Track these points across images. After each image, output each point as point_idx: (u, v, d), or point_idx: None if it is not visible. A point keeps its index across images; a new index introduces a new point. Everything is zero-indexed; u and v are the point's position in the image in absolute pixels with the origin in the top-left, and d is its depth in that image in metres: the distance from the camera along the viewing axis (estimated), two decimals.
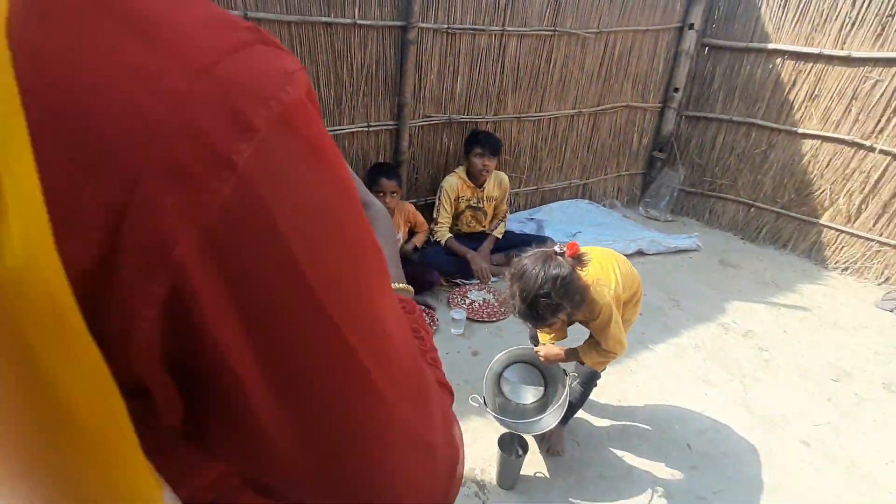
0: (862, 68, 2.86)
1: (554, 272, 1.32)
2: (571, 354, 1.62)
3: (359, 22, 2.39)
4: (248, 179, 0.18)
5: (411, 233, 2.74)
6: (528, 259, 1.39)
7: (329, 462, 0.24)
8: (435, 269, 2.63)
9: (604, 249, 1.64)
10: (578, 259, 1.38)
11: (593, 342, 1.56)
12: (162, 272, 0.18)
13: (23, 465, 0.18)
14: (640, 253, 3.12)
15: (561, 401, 1.61)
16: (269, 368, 0.21)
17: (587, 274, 1.42)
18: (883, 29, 2.76)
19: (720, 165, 3.59)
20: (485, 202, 2.81)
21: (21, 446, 0.18)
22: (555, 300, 1.32)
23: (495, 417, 1.63)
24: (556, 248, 1.38)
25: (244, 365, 0.21)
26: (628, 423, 1.92)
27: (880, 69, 2.80)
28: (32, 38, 0.16)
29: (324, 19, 2.31)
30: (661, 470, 1.73)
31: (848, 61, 2.91)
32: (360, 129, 2.63)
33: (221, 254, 0.19)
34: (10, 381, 0.17)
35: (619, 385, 2.09)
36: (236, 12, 2.09)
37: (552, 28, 2.95)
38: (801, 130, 3.17)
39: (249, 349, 0.20)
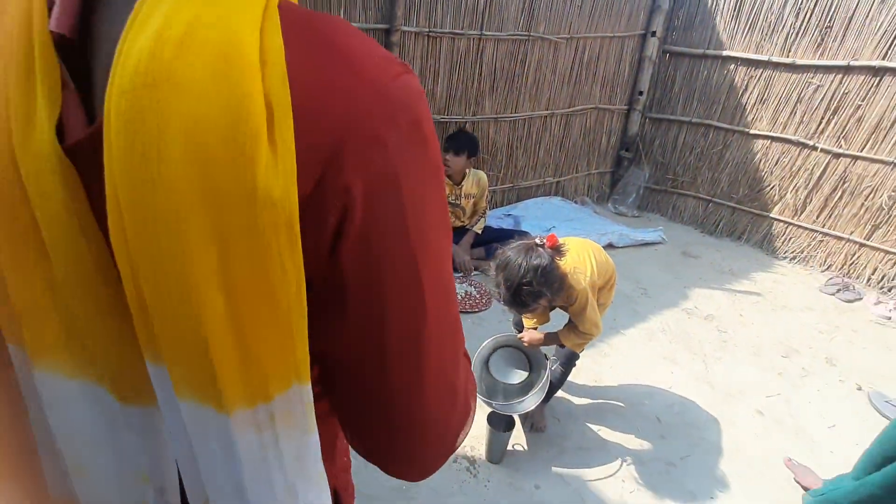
0: (805, 74, 3.15)
1: (535, 262, 1.45)
2: (552, 338, 1.76)
3: None
4: (391, 155, 0.29)
5: None
6: (511, 251, 1.51)
7: (380, 358, 0.34)
8: None
9: (580, 240, 1.78)
10: (557, 250, 1.51)
11: (572, 326, 1.70)
12: (341, 201, 0.28)
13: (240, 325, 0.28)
14: (611, 246, 3.31)
15: (542, 383, 1.75)
16: (366, 279, 0.31)
17: (565, 263, 1.55)
18: (822, 39, 3.05)
19: (681, 164, 3.84)
20: (462, 199, 2.92)
21: (236, 316, 0.28)
22: (536, 288, 1.45)
23: (483, 400, 1.75)
24: (537, 240, 1.51)
25: (353, 273, 0.31)
26: (603, 400, 2.08)
27: (820, 75, 3.09)
28: (295, 64, 0.27)
29: None
30: (632, 440, 1.90)
31: (793, 68, 3.19)
32: None
33: (369, 197, 0.29)
34: (248, 275, 0.27)
35: (594, 367, 2.26)
36: None
37: (526, 33, 3.10)
38: (752, 131, 3.44)
39: (360, 263, 0.30)
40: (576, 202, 3.93)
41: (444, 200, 0.35)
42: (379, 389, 0.35)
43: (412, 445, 0.38)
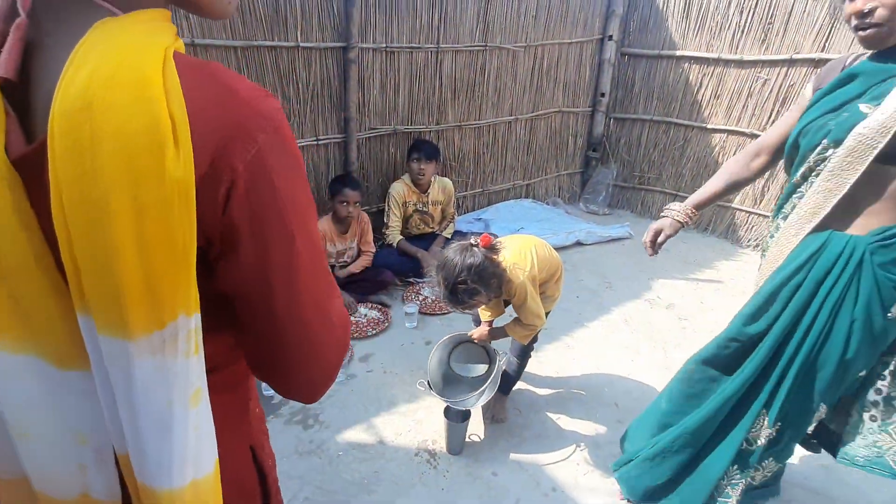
0: (753, 69, 3.28)
1: (469, 261, 1.54)
2: (498, 332, 1.85)
3: (301, 45, 2.58)
4: (261, 148, 0.42)
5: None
6: (449, 251, 1.60)
7: (267, 289, 0.45)
8: (389, 269, 2.82)
9: (525, 237, 1.87)
10: (491, 248, 1.60)
11: (517, 318, 1.78)
12: (229, 177, 0.40)
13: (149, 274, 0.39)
14: (579, 244, 3.41)
15: (492, 377, 1.82)
16: (250, 230, 0.43)
17: (505, 260, 1.64)
18: (766, 35, 3.19)
19: (646, 161, 3.96)
20: (430, 206, 3.02)
21: (143, 265, 0.38)
22: (471, 285, 1.54)
23: (441, 399, 1.83)
24: (472, 241, 1.60)
25: (240, 226, 0.42)
26: (564, 390, 2.16)
27: (767, 69, 3.22)
28: (192, 92, 0.39)
29: (268, 43, 2.49)
30: (590, 426, 1.98)
31: (741, 64, 3.32)
32: (309, 143, 2.81)
33: (248, 173, 0.41)
34: (155, 230, 0.38)
35: (558, 360, 2.34)
36: (185, 40, 2.24)
37: (483, 44, 3.23)
38: (710, 126, 3.57)
39: (245, 218, 0.42)
40: (547, 203, 4.04)
41: (303, 178, 0.48)
42: (268, 315, 0.47)
43: (298, 364, 0.50)
